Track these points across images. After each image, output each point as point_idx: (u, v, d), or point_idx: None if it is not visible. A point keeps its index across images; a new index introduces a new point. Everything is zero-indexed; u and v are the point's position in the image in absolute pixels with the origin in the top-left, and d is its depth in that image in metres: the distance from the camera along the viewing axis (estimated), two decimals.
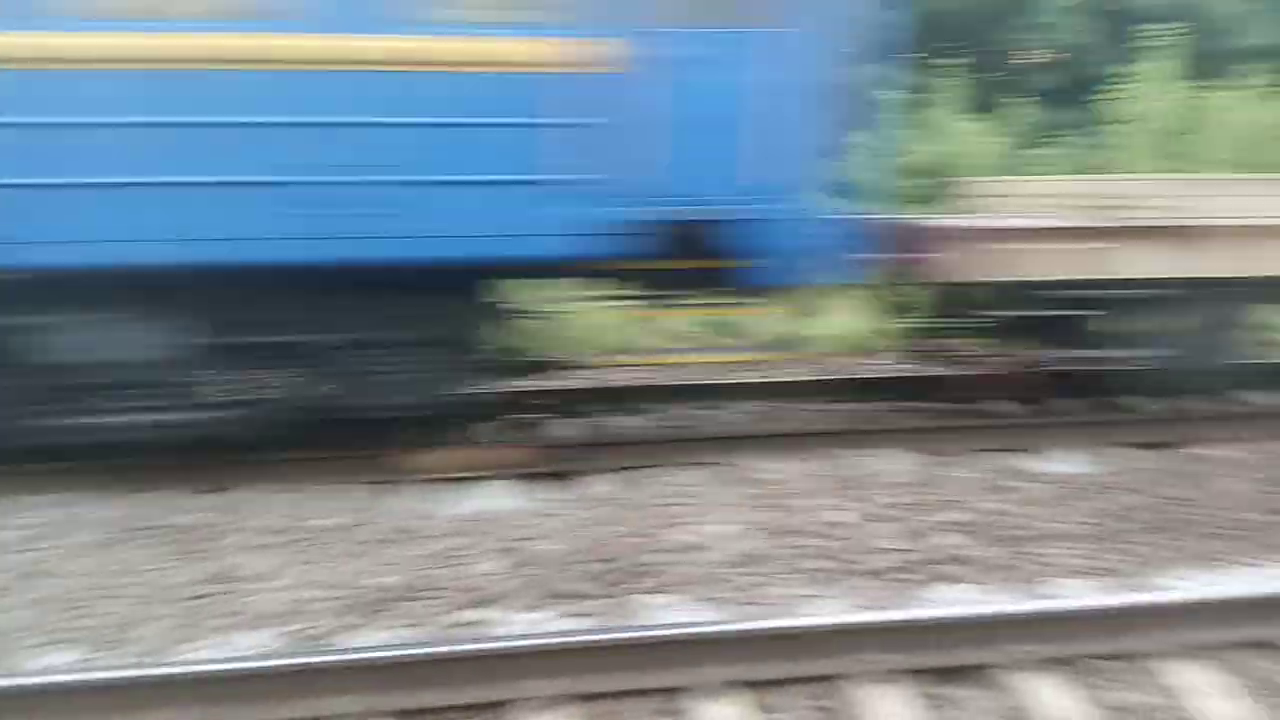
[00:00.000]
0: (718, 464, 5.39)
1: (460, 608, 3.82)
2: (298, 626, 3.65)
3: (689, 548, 4.29)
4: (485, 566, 4.16)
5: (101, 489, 5.00)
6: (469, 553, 4.30)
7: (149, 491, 4.99)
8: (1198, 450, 5.71)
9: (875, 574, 4.07)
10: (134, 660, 3.42)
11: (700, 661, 3.22)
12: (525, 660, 3.15)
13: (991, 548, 4.31)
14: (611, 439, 5.86)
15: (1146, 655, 3.39)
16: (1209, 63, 13.78)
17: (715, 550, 4.26)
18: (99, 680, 3.03)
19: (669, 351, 8.41)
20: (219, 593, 3.93)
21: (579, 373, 7.70)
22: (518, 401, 6.44)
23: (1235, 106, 11.90)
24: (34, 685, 3.01)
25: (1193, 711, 3.12)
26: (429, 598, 3.88)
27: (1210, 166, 10.44)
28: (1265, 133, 11.30)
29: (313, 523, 4.64)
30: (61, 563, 4.23)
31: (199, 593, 3.94)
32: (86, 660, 3.46)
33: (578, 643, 3.20)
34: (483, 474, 5.30)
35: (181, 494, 4.99)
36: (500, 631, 3.61)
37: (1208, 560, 4.24)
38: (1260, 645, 3.46)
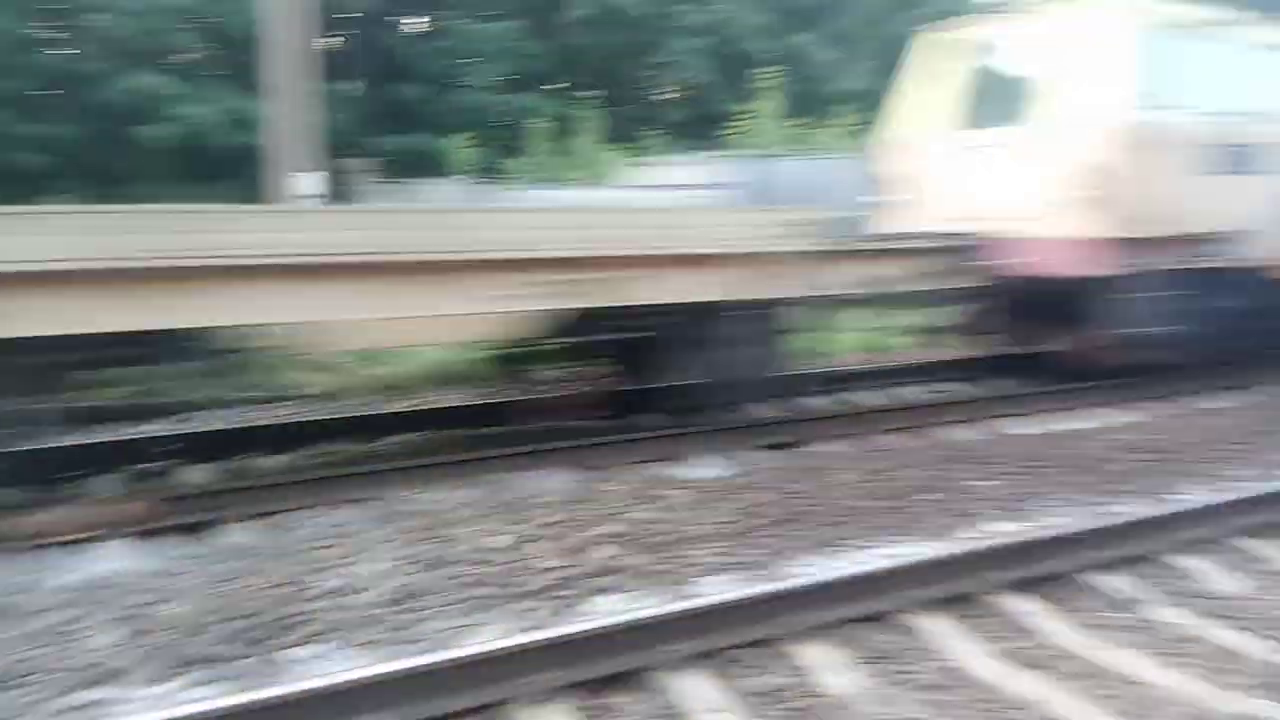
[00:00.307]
0: (369, 500, 5.18)
1: (70, 690, 3.33)
2: None
3: (339, 592, 4.06)
4: (97, 640, 3.67)
5: None
6: (80, 626, 3.77)
7: None
8: (816, 448, 6.37)
9: (534, 594, 4.09)
10: None
11: (352, 711, 3.04)
12: None
13: (642, 555, 4.49)
14: (250, 482, 5.44)
15: (780, 640, 3.68)
16: (810, 102, 15.67)
17: (369, 591, 4.07)
18: None
19: None
20: None
21: (218, 412, 7.14)
22: (142, 450, 5.83)
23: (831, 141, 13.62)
24: None
25: (816, 686, 3.43)
26: (30, 684, 3.35)
27: None
28: None
29: None
30: None
31: None
32: None
33: (200, 714, 2.89)
34: (98, 534, 4.70)
35: None
36: (118, 711, 3.19)
37: (829, 546, 4.70)
38: (871, 619, 3.88)
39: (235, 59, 17.70)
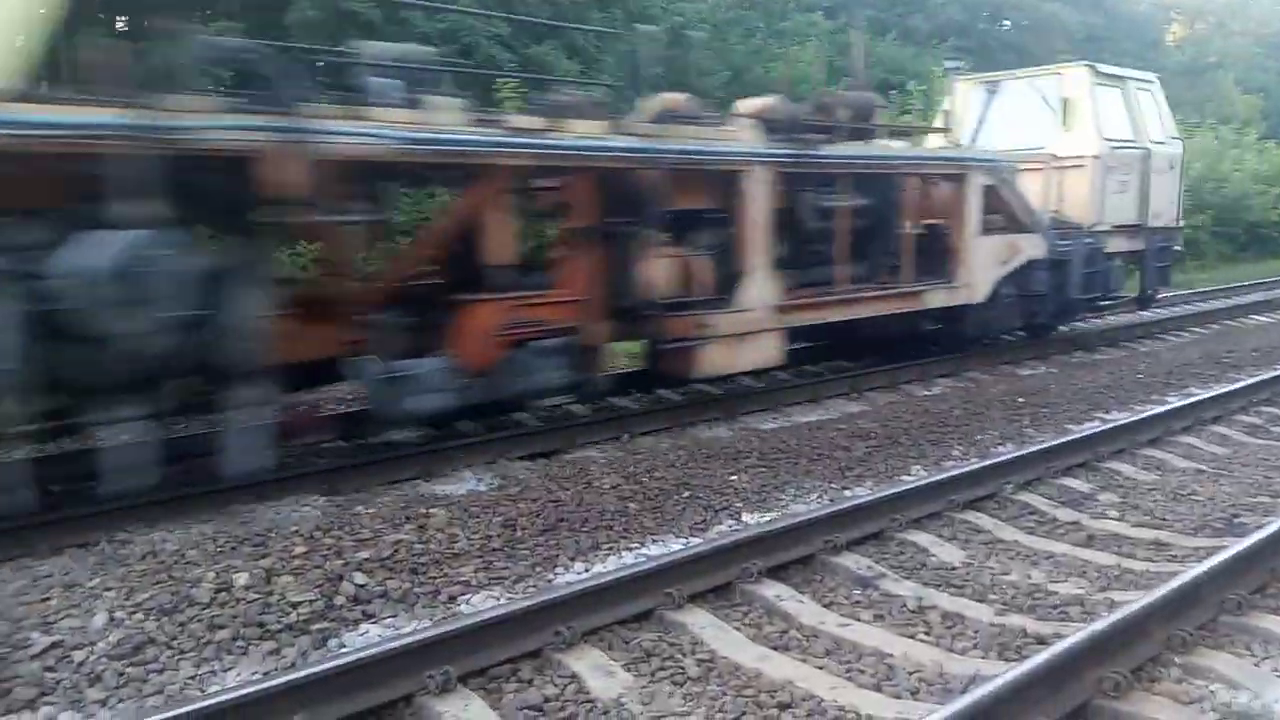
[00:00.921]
0: (93, 544, 4.69)
1: None
2: None
3: (60, 648, 3.64)
4: None
5: None
6: None
7: None
8: (577, 454, 6.42)
9: (290, 630, 3.85)
10: None
11: None
12: None
13: (407, 578, 4.34)
14: None
15: (550, 649, 3.66)
16: None
17: (95, 645, 3.67)
18: None
19: None
20: None
21: None
22: None
23: None
24: None
25: (590, 691, 3.44)
26: None
27: None
28: None
29: None
30: None
31: None
32: None
33: None
34: None
35: None
36: None
37: (593, 550, 4.74)
38: (640, 618, 3.95)
39: None
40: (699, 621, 3.94)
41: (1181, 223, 11.91)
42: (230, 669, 3.59)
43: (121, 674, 3.51)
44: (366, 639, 3.83)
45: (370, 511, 5.17)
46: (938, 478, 5.41)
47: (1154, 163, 10.80)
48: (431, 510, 5.19)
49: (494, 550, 4.68)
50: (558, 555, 4.67)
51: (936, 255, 9.03)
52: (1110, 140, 10.27)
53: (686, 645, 3.78)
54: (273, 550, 4.52)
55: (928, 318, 9.33)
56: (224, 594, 4.06)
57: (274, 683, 3.14)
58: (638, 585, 4.03)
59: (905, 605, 4.13)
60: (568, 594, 3.87)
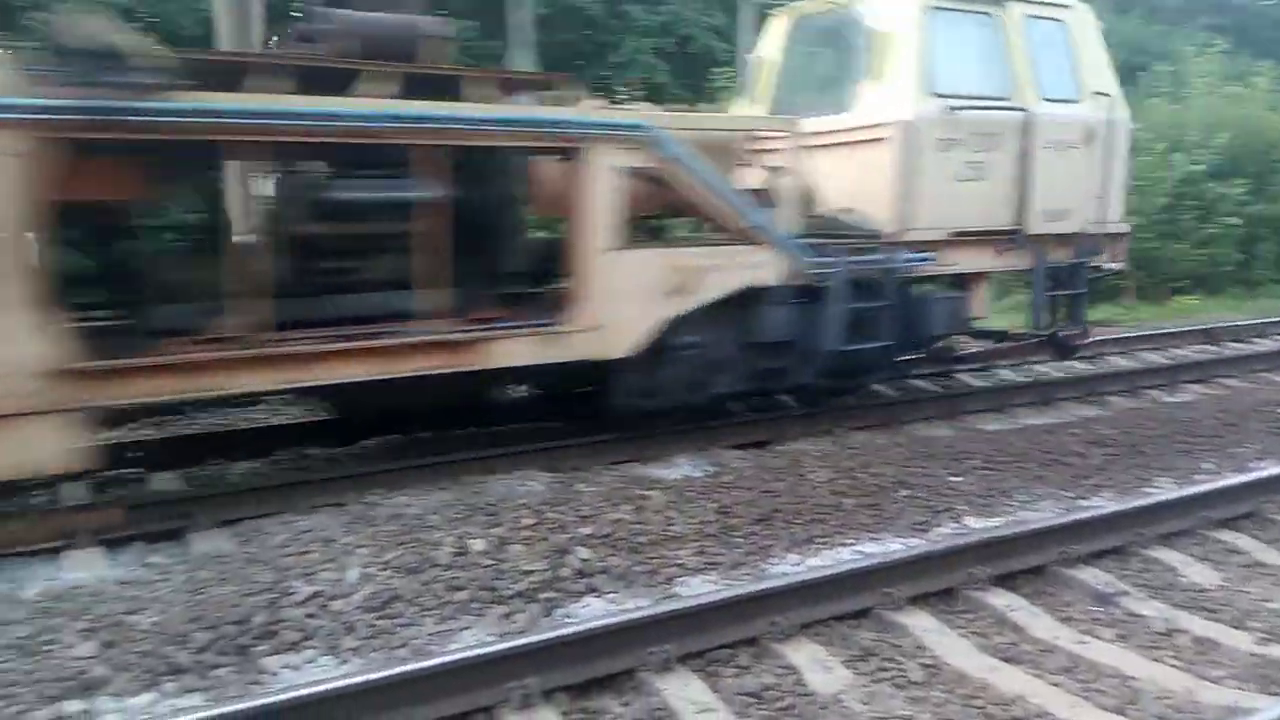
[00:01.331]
0: (345, 504, 5.10)
1: (55, 700, 3.24)
2: None
3: (320, 598, 3.99)
4: (81, 649, 3.57)
5: None
6: (54, 637, 3.66)
7: None
8: (789, 446, 6.37)
9: (520, 597, 4.06)
10: None
11: (339, 718, 2.99)
12: None
13: (627, 556, 4.46)
14: (224, 488, 5.34)
15: (768, 638, 3.67)
16: None
17: (350, 597, 4.00)
18: None
19: None
20: None
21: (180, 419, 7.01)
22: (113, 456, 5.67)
23: None
24: None
25: (808, 684, 3.43)
26: (9, 697, 3.25)
27: None
28: None
29: None
30: None
31: None
32: None
33: None
34: (67, 542, 4.59)
35: None
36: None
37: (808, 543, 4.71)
38: (858, 616, 3.90)
39: None
40: (921, 625, 3.84)
41: (1120, 228, 7.77)
42: (467, 629, 3.82)
43: (372, 625, 3.81)
44: (590, 611, 3.97)
45: (590, 490, 5.34)
46: (1189, 492, 5.02)
47: (1045, 133, 7.08)
48: (648, 492, 5.30)
49: (709, 535, 4.74)
50: (772, 545, 4.67)
51: (548, 278, 6.03)
52: (946, 97, 6.65)
53: (909, 648, 3.69)
54: (504, 520, 4.76)
55: (534, 376, 6.42)
56: (461, 558, 4.32)
57: (511, 644, 3.32)
58: (856, 582, 3.97)
59: (1151, 626, 3.86)
60: (785, 585, 3.86)
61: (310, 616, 3.85)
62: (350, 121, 4.88)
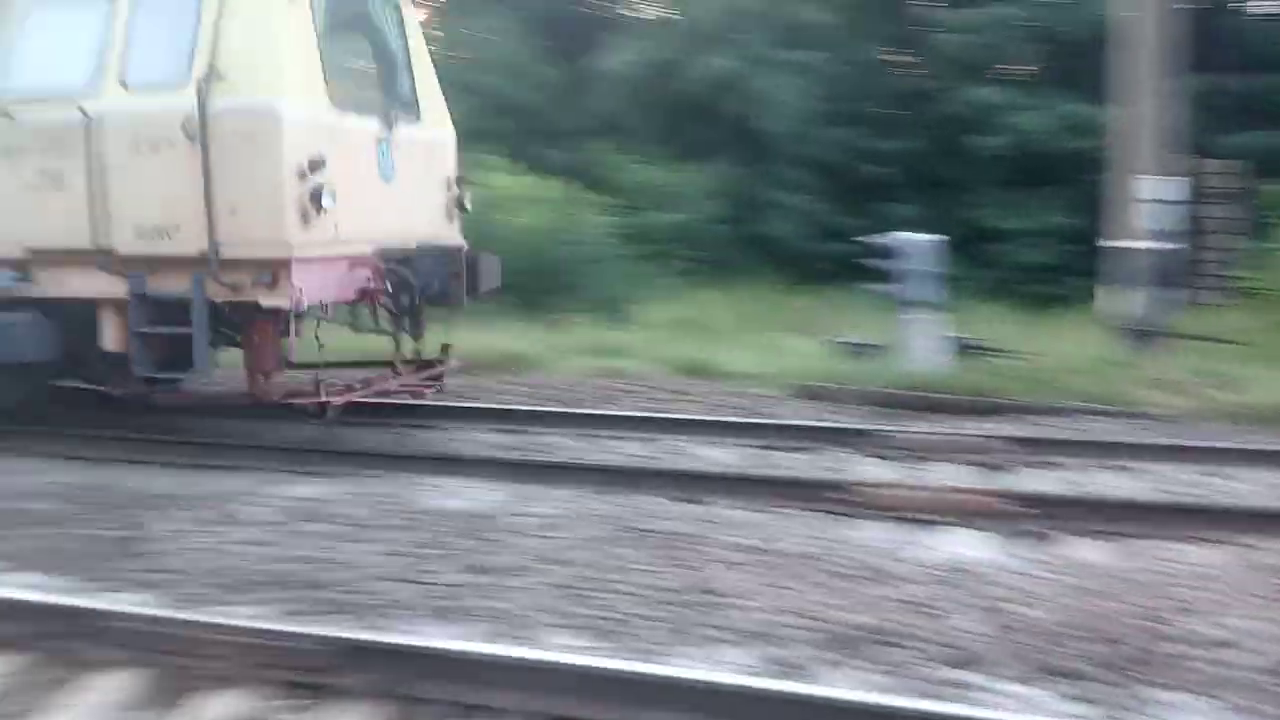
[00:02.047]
0: (1234, 544, 4.58)
1: (937, 663, 3.54)
2: (777, 651, 3.59)
3: (1211, 643, 3.63)
4: (960, 622, 3.84)
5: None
6: (941, 604, 4.00)
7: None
8: None
9: None
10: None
11: None
12: None
13: None
14: (1095, 498, 5.25)
15: None
16: None
17: (1248, 650, 3.56)
18: None
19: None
20: (700, 604, 3.99)
21: (1048, 419, 7.12)
22: (985, 446, 6.06)
23: None
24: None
25: None
26: (903, 646, 3.65)
27: None
28: None
29: (780, 545, 4.61)
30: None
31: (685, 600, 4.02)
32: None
33: None
34: (946, 519, 4.99)
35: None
36: (987, 700, 3.28)
37: None
38: None
39: (1071, 66, 17.48)
40: None
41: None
42: None
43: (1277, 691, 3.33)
44: None
45: None
46: None
47: (115, 134, 5.51)
48: None
49: None
50: None
51: None
52: None
53: None
54: None
55: None
56: None
57: None
58: None
59: None
60: None
61: (1197, 660, 3.53)
62: None
